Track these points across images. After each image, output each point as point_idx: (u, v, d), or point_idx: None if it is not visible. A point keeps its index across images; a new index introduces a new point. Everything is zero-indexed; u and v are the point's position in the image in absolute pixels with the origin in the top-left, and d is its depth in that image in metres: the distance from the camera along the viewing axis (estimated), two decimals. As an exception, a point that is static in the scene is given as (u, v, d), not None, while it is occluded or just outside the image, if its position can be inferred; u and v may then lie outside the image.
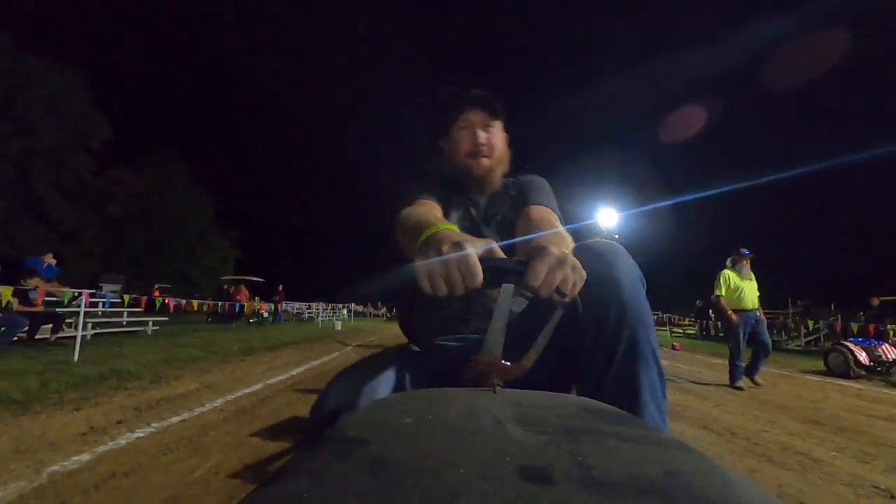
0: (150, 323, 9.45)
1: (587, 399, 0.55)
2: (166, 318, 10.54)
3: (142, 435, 2.77)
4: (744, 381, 5.50)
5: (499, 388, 0.55)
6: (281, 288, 16.66)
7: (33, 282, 6.46)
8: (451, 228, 0.72)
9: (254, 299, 15.56)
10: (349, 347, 9.23)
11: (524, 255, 0.64)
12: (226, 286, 16.59)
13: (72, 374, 4.30)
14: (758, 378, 5.60)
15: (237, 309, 10.17)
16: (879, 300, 10.33)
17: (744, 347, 5.53)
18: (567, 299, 0.64)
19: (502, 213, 1.16)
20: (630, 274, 0.79)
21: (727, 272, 5.73)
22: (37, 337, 6.55)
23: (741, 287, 5.60)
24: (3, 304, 4.96)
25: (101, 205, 31.74)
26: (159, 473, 2.18)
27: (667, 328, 17.51)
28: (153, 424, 2.99)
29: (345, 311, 25.33)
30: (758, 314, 5.63)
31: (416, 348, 1.01)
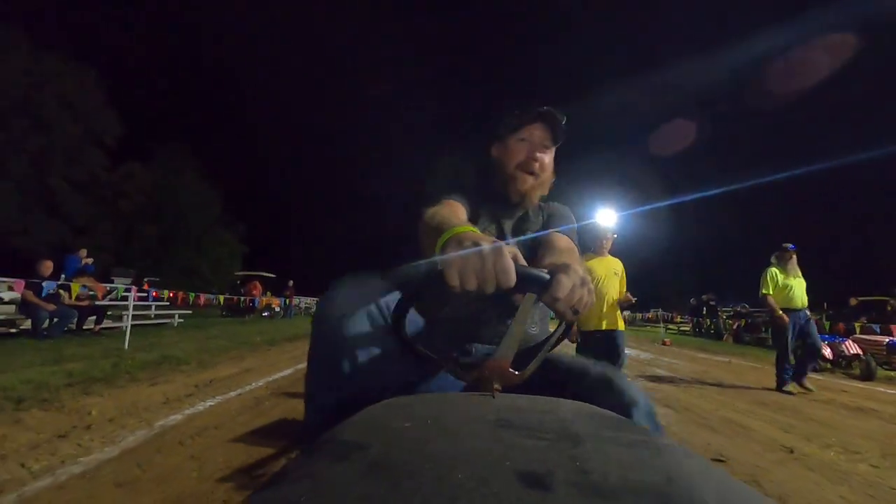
0: (176, 316, 10.23)
1: (585, 404, 0.55)
2: (190, 312, 11.34)
3: (212, 403, 3.50)
4: (792, 385, 5.20)
5: (497, 392, 0.56)
6: (291, 283, 17.43)
7: (83, 279, 7.20)
8: (472, 230, 0.71)
9: (266, 294, 16.32)
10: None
11: (550, 270, 0.66)
12: (239, 281, 17.42)
13: (132, 359, 5.04)
14: (807, 382, 5.23)
15: (255, 304, 10.94)
16: (857, 300, 10.99)
17: (792, 349, 5.26)
18: (577, 317, 0.67)
19: (533, 230, 1.18)
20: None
21: (773, 269, 5.36)
22: (84, 327, 7.30)
23: (790, 285, 5.23)
24: (73, 298, 5.69)
25: (113, 200, 32.54)
26: (239, 426, 2.91)
27: (661, 325, 18.20)
28: (217, 397, 3.72)
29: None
30: (807, 314, 5.29)
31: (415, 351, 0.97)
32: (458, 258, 0.60)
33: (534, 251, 1.08)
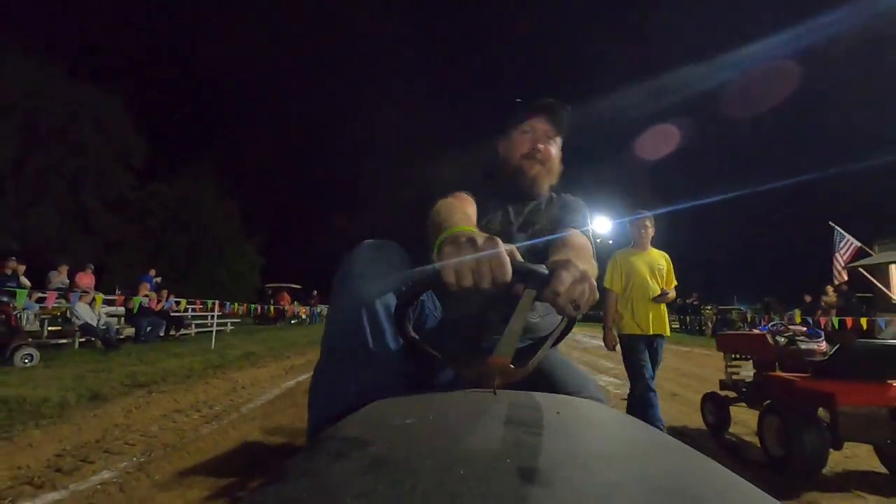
0: (228, 324, 12.16)
1: (586, 400, 0.57)
2: (239, 320, 13.30)
3: (306, 377, 5.34)
4: None
5: (498, 389, 0.57)
6: (316, 293, 19.38)
7: (164, 293, 9.13)
8: (470, 229, 0.72)
9: (292, 303, 18.24)
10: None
11: (550, 266, 0.66)
12: (270, 292, 19.41)
13: (226, 355, 6.90)
14: None
15: (296, 312, 12.86)
16: (811, 297, 12.65)
17: None
18: (579, 313, 0.67)
19: (541, 224, 1.19)
20: None
21: None
22: (170, 333, 9.21)
23: None
24: (183, 310, 7.54)
25: (141, 217, 34.73)
26: (332, 387, 4.74)
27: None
28: (305, 374, 5.56)
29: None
30: None
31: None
32: (455, 257, 0.61)
33: (544, 246, 1.09)
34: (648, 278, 3.12)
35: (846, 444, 2.61)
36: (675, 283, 3.28)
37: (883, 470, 2.49)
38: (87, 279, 9.28)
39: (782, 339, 3.05)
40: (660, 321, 3.08)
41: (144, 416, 3.37)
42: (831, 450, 2.45)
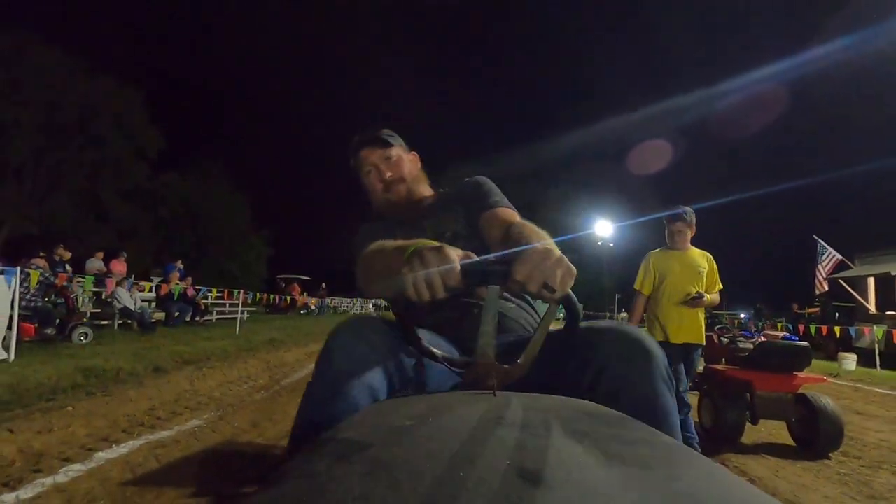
0: (246, 312, 12.95)
1: (587, 402, 0.56)
2: (254, 309, 14.09)
3: (326, 361, 6.09)
4: None
5: (498, 390, 0.56)
6: (324, 285, 20.20)
7: (185, 283, 9.89)
8: (433, 244, 0.71)
9: (302, 294, 19.04)
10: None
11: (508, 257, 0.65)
12: (283, 284, 20.22)
13: (252, 340, 7.65)
14: None
15: (307, 303, 13.65)
16: (798, 306, 13.32)
17: None
18: (557, 295, 0.63)
19: (451, 228, 1.16)
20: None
21: None
22: (196, 319, 9.99)
23: None
24: (214, 298, 8.31)
25: (154, 207, 35.62)
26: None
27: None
28: (325, 359, 6.31)
29: (370, 306, 28.68)
30: None
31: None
32: (409, 272, 0.63)
33: (481, 239, 1.08)
34: (684, 281, 2.87)
35: (772, 425, 3.35)
36: (719, 285, 3.04)
37: (791, 443, 3.19)
38: (119, 266, 10.05)
39: (725, 339, 3.76)
40: (693, 328, 2.85)
41: (204, 385, 4.12)
42: (754, 426, 3.18)
